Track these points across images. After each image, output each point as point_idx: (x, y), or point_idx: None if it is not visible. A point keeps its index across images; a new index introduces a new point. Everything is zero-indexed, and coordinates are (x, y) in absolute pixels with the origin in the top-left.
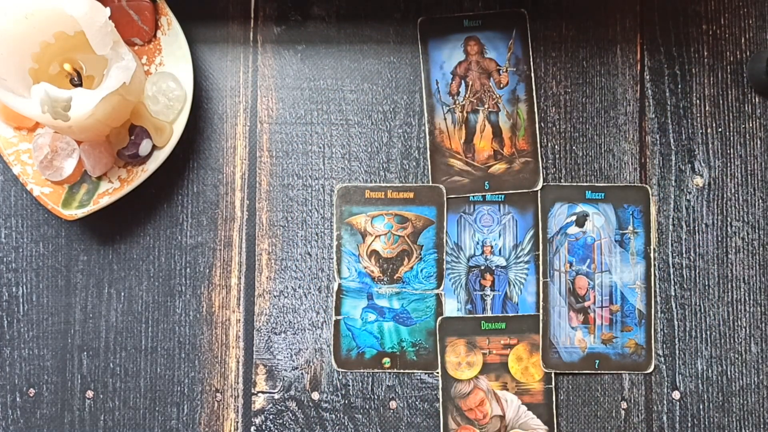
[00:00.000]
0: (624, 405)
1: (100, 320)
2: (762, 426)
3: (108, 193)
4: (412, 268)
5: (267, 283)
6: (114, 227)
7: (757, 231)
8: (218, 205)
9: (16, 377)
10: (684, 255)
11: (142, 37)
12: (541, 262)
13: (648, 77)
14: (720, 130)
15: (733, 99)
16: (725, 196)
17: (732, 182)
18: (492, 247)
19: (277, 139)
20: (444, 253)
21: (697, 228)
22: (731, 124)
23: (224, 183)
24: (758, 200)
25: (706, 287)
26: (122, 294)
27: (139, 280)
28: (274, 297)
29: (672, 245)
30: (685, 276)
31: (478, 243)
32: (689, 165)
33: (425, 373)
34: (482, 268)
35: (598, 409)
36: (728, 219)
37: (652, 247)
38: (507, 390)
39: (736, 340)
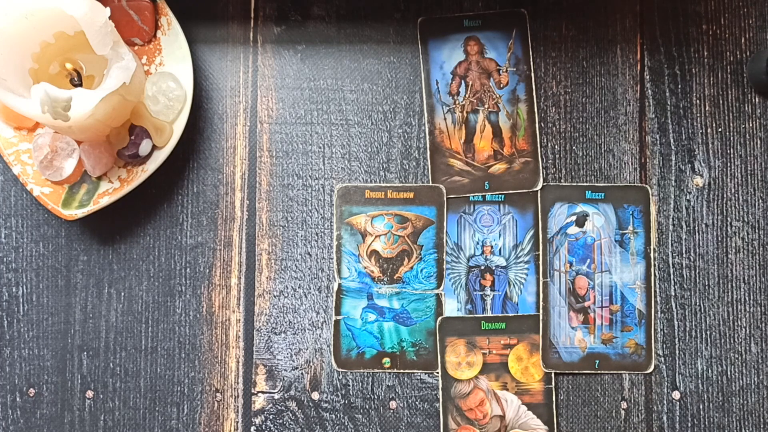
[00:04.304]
0: (624, 405)
1: (100, 320)
2: (762, 426)
3: (108, 193)
4: (412, 268)
5: (267, 283)
6: (114, 227)
7: (757, 231)
8: (218, 205)
9: (16, 377)
10: (684, 255)
11: (142, 37)
12: (541, 262)
13: (648, 77)
14: (720, 130)
15: (733, 99)
16: (725, 196)
17: (732, 182)
18: (492, 247)
19: (277, 139)
20: (444, 253)
21: (697, 228)
22: (731, 124)
23: (224, 183)
24: (758, 200)
25: (706, 287)
26: (122, 294)
27: (139, 280)
28: (274, 297)
29: (672, 245)
30: (685, 276)
31: (478, 243)
32: (689, 165)
33: (425, 373)
34: (482, 268)
35: (598, 409)
36: (728, 219)
37: (652, 247)
38: (507, 390)
39: (736, 340)
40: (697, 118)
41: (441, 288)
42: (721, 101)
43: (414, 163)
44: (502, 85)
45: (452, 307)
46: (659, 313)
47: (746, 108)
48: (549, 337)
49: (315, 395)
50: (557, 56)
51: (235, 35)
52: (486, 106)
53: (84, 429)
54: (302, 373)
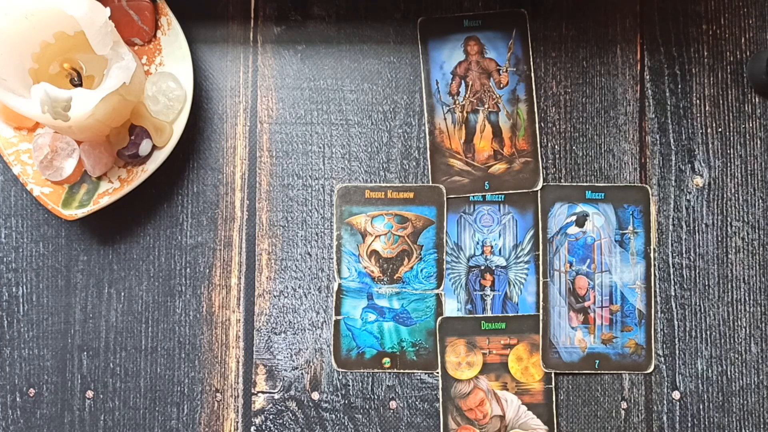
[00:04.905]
0: (624, 405)
1: (100, 320)
2: (762, 426)
3: (108, 193)
4: (412, 268)
5: (267, 283)
6: (114, 227)
7: (757, 231)
8: (218, 205)
9: (16, 377)
10: (684, 255)
11: (142, 37)
12: (541, 262)
13: (648, 77)
14: (720, 130)
15: (733, 99)
16: (725, 196)
17: (732, 182)
18: (492, 247)
19: (277, 139)
20: (444, 253)
21: (697, 228)
22: (731, 124)
23: (224, 183)
24: (758, 200)
25: (706, 287)
26: (122, 294)
27: (139, 280)
28: (274, 297)
29: (672, 245)
30: (685, 276)
31: (478, 243)
32: (689, 165)
33: (425, 373)
34: (482, 268)
35: (598, 409)
36: (728, 219)
37: (652, 247)
38: (507, 390)
39: (736, 340)
40: (697, 118)
41: (441, 288)
42: (721, 101)
43: (414, 163)
44: (502, 85)
45: (452, 307)
46: (659, 313)
47: (746, 108)
48: (549, 337)
49: (315, 395)
50: (557, 56)
51: (235, 35)
52: (486, 106)
53: (84, 429)
54: (302, 373)
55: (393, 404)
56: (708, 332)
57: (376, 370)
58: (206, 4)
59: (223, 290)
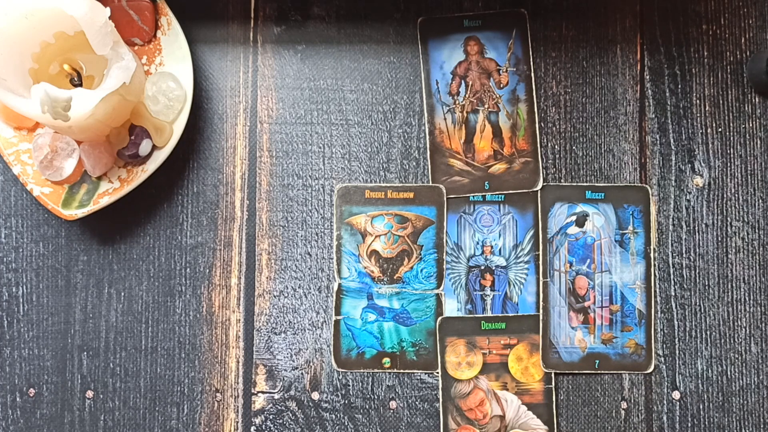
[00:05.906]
0: (624, 405)
1: (100, 320)
2: (762, 426)
3: (108, 193)
4: (412, 268)
5: (267, 283)
6: (114, 227)
7: (757, 231)
8: (218, 205)
9: (16, 377)
10: (684, 255)
11: (142, 37)
12: (541, 262)
13: (648, 77)
14: (720, 130)
15: (733, 99)
16: (725, 196)
17: (732, 182)
18: (492, 247)
19: (277, 139)
20: (444, 253)
21: (697, 228)
22: (731, 124)
23: (224, 183)
24: (758, 200)
25: (706, 287)
26: (122, 294)
27: (139, 280)
28: (274, 297)
29: (672, 245)
30: (685, 276)
31: (478, 243)
32: (689, 165)
33: (425, 373)
34: (482, 268)
35: (598, 409)
36: (728, 219)
37: (652, 247)
38: (507, 390)
39: (736, 340)
40: (697, 118)
41: (441, 288)
42: (721, 101)
43: (414, 163)
44: (502, 85)
45: (452, 307)
46: (659, 313)
47: (746, 108)
48: (549, 337)
49: (315, 395)
50: (557, 56)
51: (235, 35)
52: (486, 106)
53: (84, 429)
54: (302, 373)
55: (393, 404)
56: (708, 332)
57: (376, 370)
58: (206, 4)
59: (223, 290)
